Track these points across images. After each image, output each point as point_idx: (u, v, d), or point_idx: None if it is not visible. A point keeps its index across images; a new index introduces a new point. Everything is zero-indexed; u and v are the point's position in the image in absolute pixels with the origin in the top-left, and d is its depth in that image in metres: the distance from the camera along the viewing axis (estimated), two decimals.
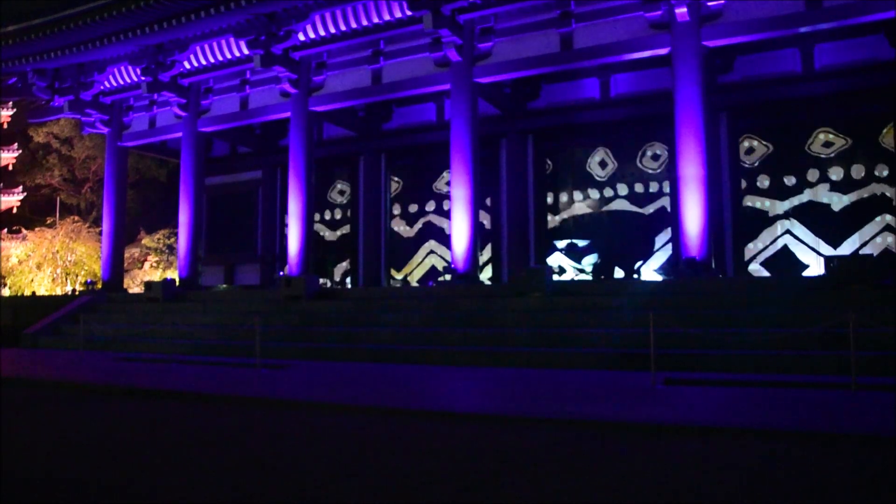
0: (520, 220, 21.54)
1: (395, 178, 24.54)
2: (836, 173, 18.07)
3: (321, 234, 25.59)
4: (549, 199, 21.68)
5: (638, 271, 19.85)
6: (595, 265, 19.95)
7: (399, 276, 24.09)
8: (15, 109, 43.32)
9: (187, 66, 22.39)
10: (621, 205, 20.58)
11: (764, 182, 18.84)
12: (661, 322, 11.15)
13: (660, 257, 19.63)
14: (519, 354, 12.89)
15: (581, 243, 19.72)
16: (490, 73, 18.22)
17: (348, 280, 25.05)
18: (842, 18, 14.75)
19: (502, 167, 22.05)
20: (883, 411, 7.47)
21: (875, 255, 16.87)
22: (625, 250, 20.27)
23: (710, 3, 15.69)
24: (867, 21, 14.94)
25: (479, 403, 8.98)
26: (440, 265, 22.89)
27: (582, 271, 20.08)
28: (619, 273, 20.32)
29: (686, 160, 15.60)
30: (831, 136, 18.17)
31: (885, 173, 17.50)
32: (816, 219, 18.17)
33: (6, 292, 36.29)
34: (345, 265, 25.21)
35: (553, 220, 21.55)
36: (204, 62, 22.38)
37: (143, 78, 22.05)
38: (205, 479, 5.59)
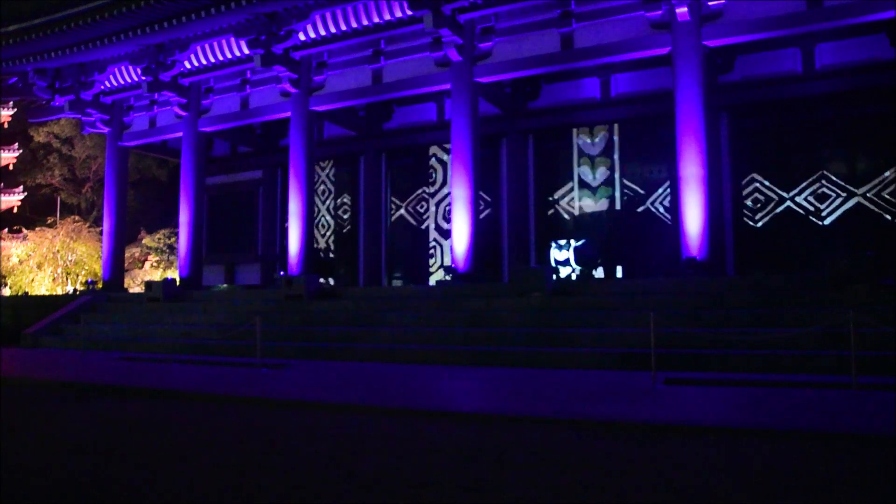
0: (520, 220, 21.54)
1: (396, 178, 24.53)
2: (838, 172, 18.07)
3: (322, 233, 25.60)
4: (550, 199, 21.67)
5: (637, 271, 19.84)
6: (592, 264, 19.95)
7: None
8: (15, 109, 43.36)
9: (188, 65, 22.40)
10: (622, 204, 20.57)
11: (764, 181, 18.83)
12: (661, 322, 11.15)
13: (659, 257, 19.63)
14: (519, 354, 12.89)
15: (579, 243, 19.74)
16: (490, 73, 18.23)
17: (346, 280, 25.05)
18: (842, 18, 14.75)
19: (503, 167, 22.05)
20: (883, 411, 7.47)
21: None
22: (624, 249, 20.27)
23: (710, 3, 15.69)
24: (868, 21, 14.94)
25: (479, 403, 8.98)
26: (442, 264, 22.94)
27: (580, 269, 20.13)
28: (617, 272, 20.33)
29: (686, 160, 15.60)
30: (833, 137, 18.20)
31: (887, 173, 17.50)
32: (817, 217, 18.16)
33: (6, 292, 36.30)
34: (345, 265, 25.21)
35: (553, 220, 21.55)
36: (204, 62, 22.39)
37: (143, 77, 22.05)
38: (205, 479, 5.59)
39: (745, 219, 18.97)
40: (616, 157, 20.80)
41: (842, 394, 8.68)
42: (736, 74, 18.80)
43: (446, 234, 23.03)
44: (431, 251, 23.58)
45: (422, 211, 23.85)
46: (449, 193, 22.63)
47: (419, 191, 23.90)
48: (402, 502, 4.88)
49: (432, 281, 23.00)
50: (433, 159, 23.70)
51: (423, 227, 23.82)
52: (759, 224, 18.82)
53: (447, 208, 23.01)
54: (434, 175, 23.69)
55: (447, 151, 22.89)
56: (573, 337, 13.26)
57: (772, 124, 18.94)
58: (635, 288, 15.00)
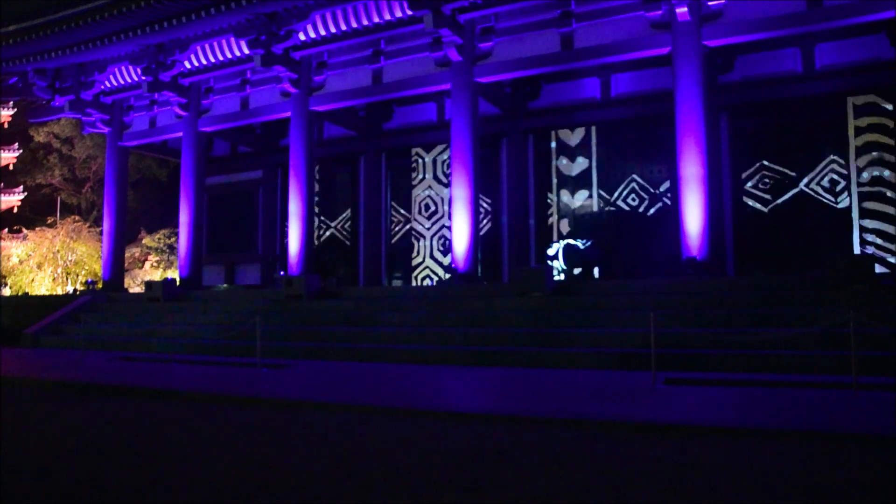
0: (520, 220, 21.54)
1: (396, 178, 24.56)
2: (837, 172, 18.07)
3: (322, 233, 25.60)
4: (550, 199, 21.68)
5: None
6: (583, 265, 19.89)
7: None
8: (15, 109, 43.34)
9: (188, 65, 22.41)
10: (621, 204, 20.58)
11: (765, 181, 18.83)
12: (661, 322, 11.14)
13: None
14: (519, 354, 12.89)
15: (577, 242, 19.72)
16: (490, 73, 18.23)
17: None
18: (842, 18, 14.75)
19: (503, 167, 22.06)
20: (883, 411, 7.47)
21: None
22: (621, 249, 20.26)
23: (710, 3, 15.69)
24: (868, 21, 14.95)
25: (479, 403, 8.98)
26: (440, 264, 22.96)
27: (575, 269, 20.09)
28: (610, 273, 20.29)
29: (686, 160, 15.60)
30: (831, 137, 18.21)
31: (886, 173, 17.52)
32: (816, 217, 18.17)
33: (6, 292, 36.30)
34: (345, 265, 25.23)
35: (553, 220, 21.56)
36: (204, 62, 22.39)
37: (143, 77, 22.06)
38: (205, 479, 5.59)
39: (745, 218, 18.97)
40: (616, 157, 20.80)
41: (842, 394, 8.68)
42: (736, 74, 18.81)
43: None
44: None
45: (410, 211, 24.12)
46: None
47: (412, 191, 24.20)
48: (402, 502, 4.88)
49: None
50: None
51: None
52: (759, 224, 18.83)
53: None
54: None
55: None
56: (573, 337, 13.26)
57: (772, 124, 18.95)
58: (635, 288, 14.99)
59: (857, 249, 17.52)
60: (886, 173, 17.51)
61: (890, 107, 17.44)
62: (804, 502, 4.78)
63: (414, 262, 23.81)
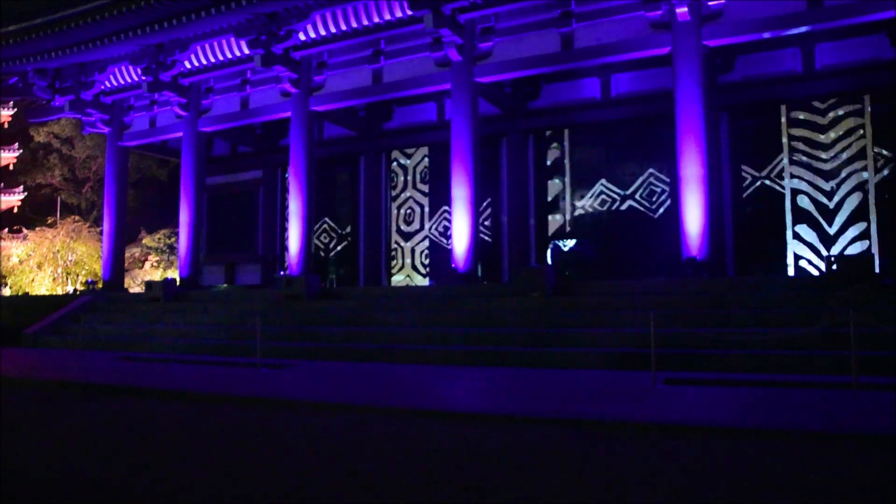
0: (520, 220, 21.54)
1: (396, 178, 24.58)
2: (836, 171, 18.08)
3: (322, 233, 25.62)
4: (550, 199, 21.69)
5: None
6: (580, 265, 19.86)
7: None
8: (15, 109, 43.38)
9: (188, 65, 22.41)
10: (621, 204, 20.57)
11: (765, 181, 18.83)
12: (662, 322, 11.15)
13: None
14: (519, 354, 12.88)
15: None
16: (491, 73, 18.23)
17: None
18: (842, 18, 14.75)
19: (503, 167, 22.06)
20: (883, 411, 7.47)
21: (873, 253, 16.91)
22: (625, 250, 20.25)
23: (710, 3, 15.69)
24: (868, 21, 14.94)
25: (479, 403, 8.98)
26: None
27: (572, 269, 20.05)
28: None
29: (686, 160, 15.59)
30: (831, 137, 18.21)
31: (886, 172, 17.52)
32: (817, 217, 18.18)
33: (6, 292, 36.31)
34: (345, 265, 25.25)
35: (553, 220, 21.57)
36: (205, 62, 22.39)
37: (143, 77, 22.06)
38: (205, 479, 5.59)
39: (745, 218, 18.95)
40: (615, 157, 20.79)
41: (842, 394, 8.69)
42: (736, 74, 18.80)
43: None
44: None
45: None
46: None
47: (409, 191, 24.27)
48: (402, 502, 4.88)
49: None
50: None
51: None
52: (759, 224, 18.81)
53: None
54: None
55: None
56: (573, 337, 13.26)
57: (772, 124, 18.94)
58: (635, 288, 14.99)
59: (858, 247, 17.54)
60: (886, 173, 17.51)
61: (889, 107, 17.44)
62: (804, 502, 4.78)
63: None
